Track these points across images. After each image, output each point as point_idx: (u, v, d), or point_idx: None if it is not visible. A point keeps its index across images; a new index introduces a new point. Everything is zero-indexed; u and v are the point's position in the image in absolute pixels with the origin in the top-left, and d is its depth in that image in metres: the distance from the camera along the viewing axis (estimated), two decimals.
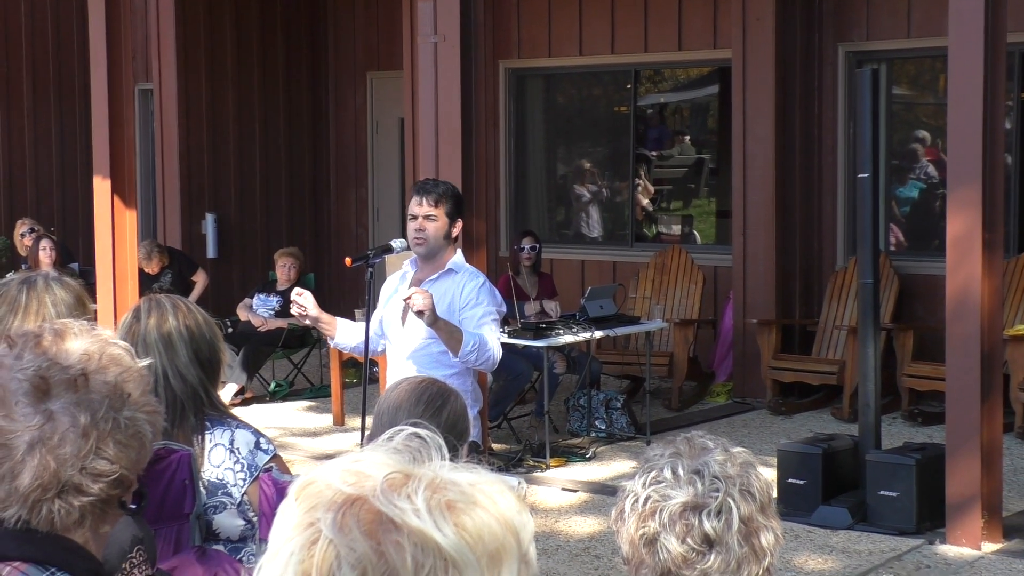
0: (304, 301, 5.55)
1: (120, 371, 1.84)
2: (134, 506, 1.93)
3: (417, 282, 5.76)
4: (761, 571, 2.09)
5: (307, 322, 5.75)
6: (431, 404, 3.24)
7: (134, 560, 2.31)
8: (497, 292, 5.95)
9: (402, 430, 1.35)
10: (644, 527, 2.07)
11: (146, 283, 11.90)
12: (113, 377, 1.83)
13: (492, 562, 1.27)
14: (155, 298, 3.79)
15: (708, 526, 2.05)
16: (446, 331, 5.52)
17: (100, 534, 1.86)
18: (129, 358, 1.89)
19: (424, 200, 5.68)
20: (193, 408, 3.67)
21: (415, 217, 5.70)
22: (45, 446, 1.77)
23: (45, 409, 1.79)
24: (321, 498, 1.28)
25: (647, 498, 2.08)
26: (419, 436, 1.34)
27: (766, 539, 2.11)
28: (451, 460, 1.33)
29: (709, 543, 2.06)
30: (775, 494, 2.25)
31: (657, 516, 2.06)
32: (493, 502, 1.30)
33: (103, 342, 1.87)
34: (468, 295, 5.72)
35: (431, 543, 1.24)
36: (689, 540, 2.05)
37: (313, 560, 1.26)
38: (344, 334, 5.78)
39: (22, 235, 13.23)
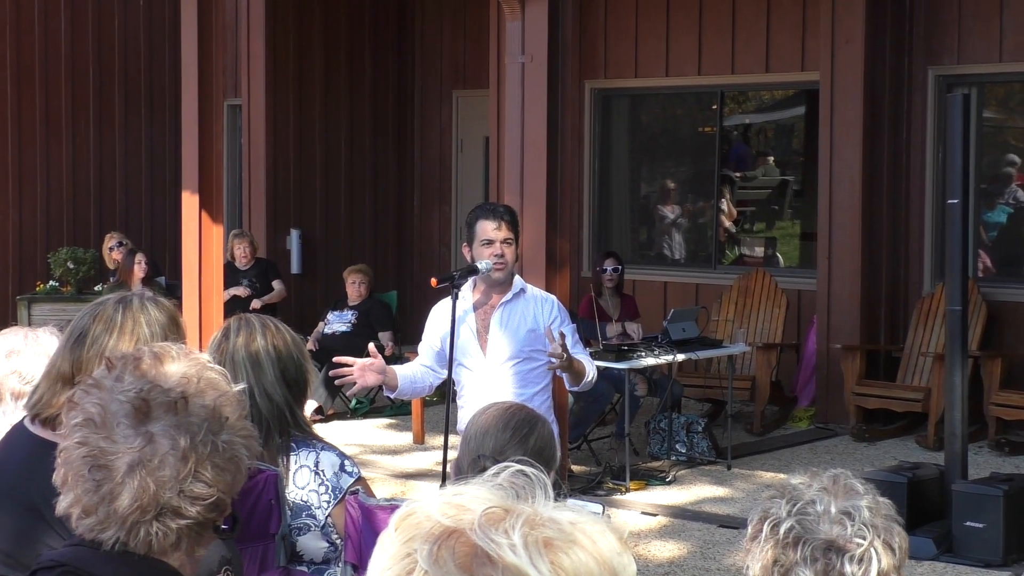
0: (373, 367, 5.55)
1: (218, 395, 1.86)
2: (227, 527, 1.94)
3: (490, 307, 5.79)
4: None
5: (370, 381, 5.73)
6: (518, 430, 3.24)
7: None
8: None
9: (508, 466, 1.35)
10: (784, 555, 2.08)
11: (233, 276, 12.08)
12: (211, 401, 1.84)
13: None
14: (244, 317, 3.82)
15: (848, 570, 2.05)
16: (575, 369, 5.68)
17: (195, 558, 1.87)
18: (225, 382, 1.91)
19: (502, 224, 5.72)
20: (279, 428, 3.69)
21: (492, 242, 5.70)
22: (145, 468, 1.79)
23: (145, 431, 1.80)
24: (419, 529, 1.28)
25: (791, 528, 2.08)
26: (525, 473, 1.34)
27: None
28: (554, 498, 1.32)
29: None
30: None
31: (799, 548, 2.07)
32: (593, 542, 1.29)
33: (201, 366, 1.89)
34: (551, 316, 5.75)
35: None
36: None
37: None
38: (404, 384, 5.73)
39: (110, 249, 13.42)
